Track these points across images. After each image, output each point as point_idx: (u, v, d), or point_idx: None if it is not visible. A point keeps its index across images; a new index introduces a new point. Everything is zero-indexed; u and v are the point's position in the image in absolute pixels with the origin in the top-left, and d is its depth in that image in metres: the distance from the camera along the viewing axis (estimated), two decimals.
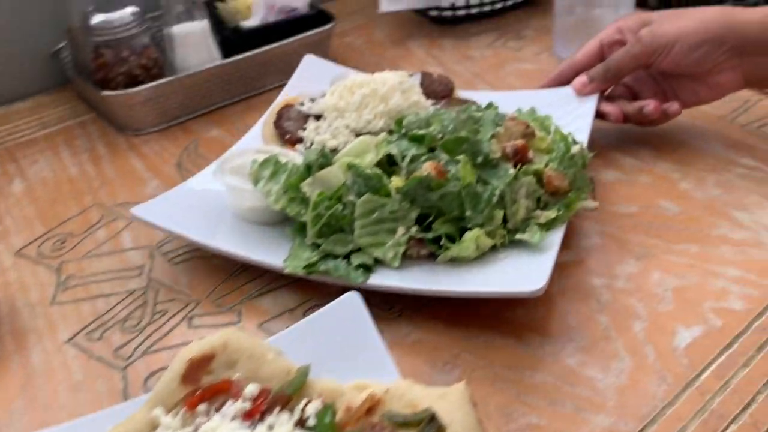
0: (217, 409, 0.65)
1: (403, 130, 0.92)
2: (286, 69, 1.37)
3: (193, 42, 1.28)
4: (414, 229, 0.77)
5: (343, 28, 1.62)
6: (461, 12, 1.55)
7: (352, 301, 0.76)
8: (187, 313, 0.87)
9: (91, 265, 0.96)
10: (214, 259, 0.95)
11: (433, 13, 1.55)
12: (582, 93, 1.00)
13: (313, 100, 1.12)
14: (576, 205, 0.81)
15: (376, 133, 0.98)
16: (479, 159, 0.79)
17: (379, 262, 0.79)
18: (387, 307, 0.85)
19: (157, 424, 0.65)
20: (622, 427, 0.69)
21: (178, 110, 1.28)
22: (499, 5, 1.58)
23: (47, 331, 0.85)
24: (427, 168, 0.78)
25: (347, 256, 0.79)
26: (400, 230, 0.77)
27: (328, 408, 0.60)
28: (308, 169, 0.86)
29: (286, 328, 0.80)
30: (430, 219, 0.78)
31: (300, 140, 1.05)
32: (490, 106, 0.95)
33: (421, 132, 0.85)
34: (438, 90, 1.07)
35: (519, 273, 0.75)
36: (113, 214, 1.06)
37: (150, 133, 1.26)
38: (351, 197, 0.79)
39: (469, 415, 0.62)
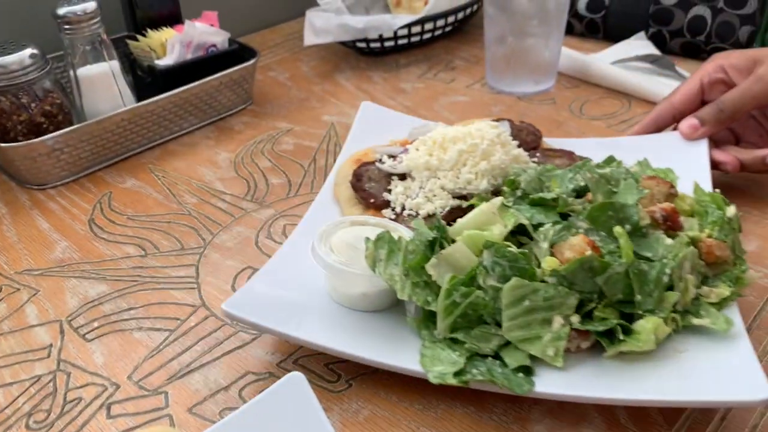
0: None
1: (519, 192, 0.78)
2: (206, 109, 1.28)
3: (101, 85, 1.17)
4: (575, 319, 0.66)
5: (266, 62, 1.54)
6: (389, 43, 1.50)
7: (294, 382, 0.67)
8: (105, 400, 0.76)
9: None
10: (133, 332, 0.84)
11: (361, 44, 1.49)
12: (692, 137, 0.90)
13: (392, 156, 0.95)
14: (745, 279, 0.71)
15: (478, 195, 0.84)
16: (627, 228, 0.68)
17: (534, 359, 0.67)
18: (333, 377, 0.77)
19: None
20: None
21: (88, 160, 1.16)
22: (427, 35, 1.54)
23: None
24: (581, 245, 0.66)
25: (496, 354, 0.68)
26: (558, 320, 0.65)
27: None
28: (430, 248, 0.70)
29: (220, 412, 0.71)
30: (592, 305, 0.66)
31: (386, 204, 0.89)
32: (611, 160, 0.83)
33: (549, 195, 0.75)
34: (528, 140, 0.98)
35: (722, 373, 0.63)
36: (15, 285, 0.93)
37: (56, 187, 1.14)
38: (492, 282, 0.66)
39: None
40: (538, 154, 0.94)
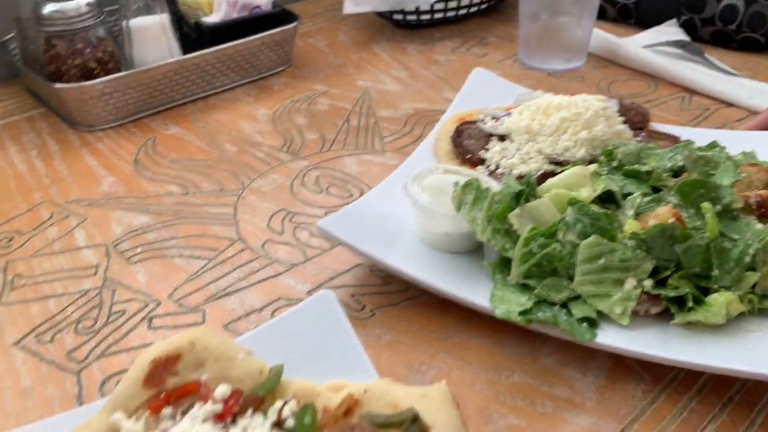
0: (184, 413, 0.61)
1: (615, 163, 0.79)
2: (248, 67, 1.34)
3: (151, 36, 1.23)
4: (648, 283, 0.66)
5: (306, 29, 1.59)
6: (425, 17, 1.55)
7: (325, 299, 0.73)
8: (147, 314, 0.82)
9: (41, 264, 0.90)
10: (174, 258, 0.90)
11: (398, 16, 1.54)
12: None
13: (495, 118, 0.97)
14: None
15: (574, 162, 0.84)
16: (717, 208, 0.68)
17: (601, 315, 0.68)
18: (358, 306, 0.82)
19: (117, 429, 0.60)
20: (603, 427, 0.67)
21: (135, 107, 1.22)
22: (462, 12, 1.58)
23: None
24: (666, 214, 0.67)
25: (563, 304, 0.69)
26: (630, 282, 0.66)
27: (308, 408, 0.56)
28: (515, 199, 0.73)
29: (253, 329, 0.77)
30: (667, 273, 0.67)
31: (481, 161, 0.91)
32: (714, 145, 0.82)
33: (644, 168, 0.76)
34: (634, 120, 0.98)
35: None
36: (65, 211, 1.00)
37: (104, 129, 1.20)
38: (571, 237, 0.68)
39: (453, 416, 0.59)
40: (643, 134, 0.94)
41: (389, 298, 0.83)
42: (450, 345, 0.77)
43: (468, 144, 0.97)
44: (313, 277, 0.87)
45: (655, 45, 1.43)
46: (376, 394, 0.62)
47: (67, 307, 0.83)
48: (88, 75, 1.17)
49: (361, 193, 1.02)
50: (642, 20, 1.56)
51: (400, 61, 1.44)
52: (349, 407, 0.61)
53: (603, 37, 1.42)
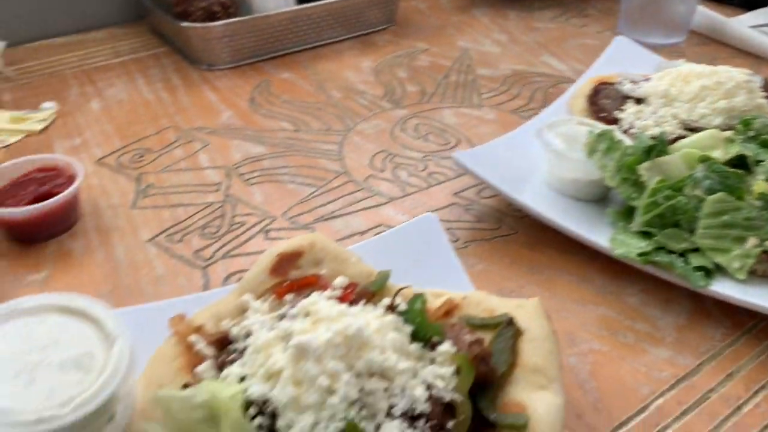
0: (307, 312, 0.68)
1: (751, 133, 0.81)
2: (355, 23, 1.41)
3: None
4: None
5: None
6: None
7: (428, 221, 0.80)
8: (264, 227, 0.91)
9: (169, 178, 1.00)
10: (287, 183, 0.99)
11: None
12: None
13: (634, 82, 1.00)
14: None
15: (708, 129, 0.86)
16: None
17: (718, 269, 0.71)
18: (453, 238, 0.88)
19: (245, 308, 0.69)
20: (681, 360, 0.72)
21: (251, 50, 1.32)
22: None
23: (129, 231, 0.90)
24: None
25: (681, 254, 0.72)
26: (752, 241, 0.68)
27: (419, 296, 0.63)
28: (647, 153, 0.76)
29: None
30: None
31: (615, 121, 0.93)
32: None
33: None
34: None
35: None
36: (189, 136, 1.10)
37: (223, 69, 1.30)
38: (698, 192, 0.71)
39: (545, 325, 0.65)
40: None
41: (482, 234, 0.89)
42: (539, 278, 0.82)
43: (604, 103, 1.00)
44: (411, 210, 0.93)
45: (761, 26, 1.42)
46: (473, 301, 0.69)
47: (193, 215, 0.93)
48: (211, 17, 1.27)
49: (458, 142, 1.08)
50: (748, 1, 1.54)
51: (501, 26, 1.49)
52: (449, 310, 0.68)
53: (707, 14, 1.42)
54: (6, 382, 0.51)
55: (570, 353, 0.73)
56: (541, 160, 0.89)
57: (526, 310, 0.67)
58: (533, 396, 0.60)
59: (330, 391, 0.55)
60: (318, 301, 0.63)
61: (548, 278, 0.82)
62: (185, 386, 0.59)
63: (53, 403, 0.50)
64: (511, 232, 0.89)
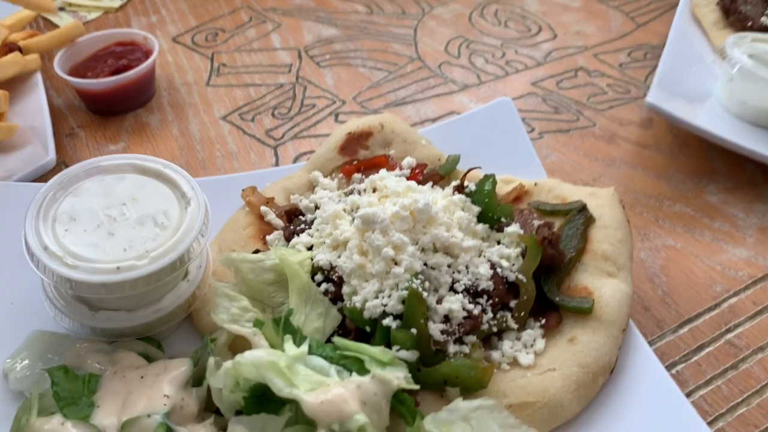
0: (374, 188, 0.68)
1: None
2: None
3: None
4: None
5: None
6: None
7: (503, 105, 0.77)
8: (334, 110, 0.90)
9: (242, 58, 1.00)
10: (359, 67, 0.97)
11: None
12: None
13: None
14: None
15: None
16: None
17: None
18: (528, 128, 0.86)
19: (314, 184, 0.70)
20: (761, 262, 0.69)
21: None
22: None
23: (203, 108, 0.91)
24: None
25: None
26: None
27: (490, 177, 0.62)
28: None
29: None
30: None
31: (765, 29, 0.87)
32: None
33: None
34: None
35: None
36: (262, 17, 1.08)
37: None
38: None
39: (619, 213, 0.63)
40: None
41: (558, 125, 0.86)
42: (615, 172, 0.79)
43: (745, 9, 0.89)
44: (486, 99, 0.91)
45: None
46: (545, 188, 0.67)
47: (265, 95, 0.93)
48: None
49: (540, 30, 1.03)
50: None
51: None
52: (519, 195, 0.67)
53: None
54: (89, 233, 0.53)
55: (642, 248, 0.71)
56: (719, 82, 0.81)
57: (599, 198, 0.64)
58: (600, 282, 0.59)
59: (395, 262, 0.55)
60: (386, 177, 0.63)
61: (624, 173, 0.80)
62: (256, 251, 0.61)
63: (131, 255, 0.52)
64: (589, 124, 0.86)
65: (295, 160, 0.83)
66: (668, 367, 0.60)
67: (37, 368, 0.53)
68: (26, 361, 0.55)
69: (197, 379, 0.52)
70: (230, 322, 0.53)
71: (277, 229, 0.66)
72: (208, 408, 0.51)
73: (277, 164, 0.83)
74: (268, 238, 0.64)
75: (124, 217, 0.55)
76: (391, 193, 0.60)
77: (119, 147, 0.85)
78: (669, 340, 0.63)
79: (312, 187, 0.70)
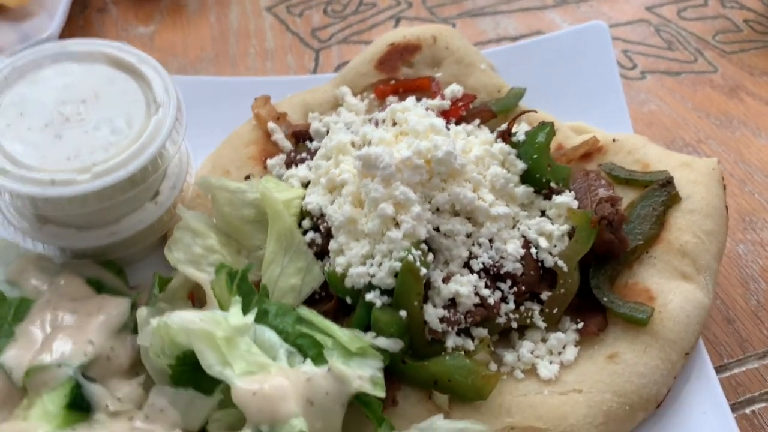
0: (394, 120, 0.55)
1: None
2: None
3: None
4: None
5: None
6: None
7: (596, 31, 0.60)
8: (396, 13, 0.76)
9: None
10: None
11: None
12: None
13: None
14: None
15: None
16: None
17: None
18: (629, 64, 0.69)
19: (339, 102, 0.58)
20: None
21: None
22: None
23: None
24: None
25: None
26: None
27: (546, 126, 0.47)
28: None
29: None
30: None
31: None
32: None
33: None
34: None
35: None
36: None
37: None
38: None
39: (715, 194, 0.47)
40: None
41: (669, 65, 0.69)
42: (727, 136, 0.62)
43: None
44: (583, 20, 0.73)
45: None
46: (625, 147, 0.51)
47: None
48: None
49: None
50: None
51: None
52: (590, 151, 0.52)
53: None
54: (33, 131, 0.44)
55: (741, 239, 0.55)
56: None
57: (694, 171, 0.48)
58: (670, 285, 0.44)
59: (395, 222, 0.43)
60: (410, 109, 0.49)
61: (742, 137, 0.62)
62: (247, 178, 0.51)
63: (72, 166, 0.42)
64: (709, 69, 0.68)
65: (337, 69, 0.70)
66: (743, 404, 0.47)
67: None
68: None
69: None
70: (186, 263, 0.44)
71: (283, 152, 0.55)
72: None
73: (315, 71, 0.71)
74: (269, 161, 0.53)
75: (79, 117, 0.45)
76: (410, 130, 0.46)
77: (149, 30, 0.75)
78: (751, 368, 0.49)
79: (336, 105, 0.58)
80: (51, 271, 0.47)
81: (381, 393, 0.38)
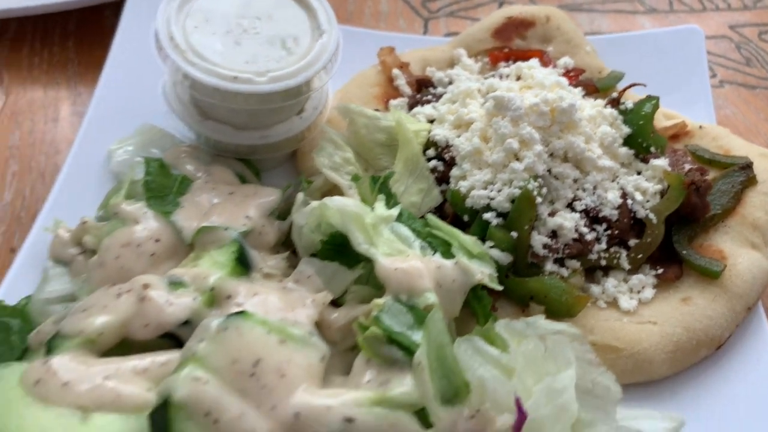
0: (518, 75, 0.62)
1: None
2: None
3: None
4: None
5: None
6: None
7: (691, 33, 0.67)
8: None
9: None
10: None
11: None
12: None
13: None
14: None
15: None
16: None
17: None
18: (710, 73, 0.75)
19: (455, 62, 0.64)
20: None
21: None
22: None
23: None
24: None
25: None
26: None
27: (651, 99, 0.54)
28: None
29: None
30: None
31: None
32: None
33: None
34: None
35: None
36: None
37: None
38: None
39: None
40: None
41: (746, 79, 0.75)
42: None
43: None
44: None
45: None
46: (710, 134, 0.58)
47: None
48: None
49: None
50: None
51: None
52: (678, 134, 0.58)
53: None
54: (217, 36, 0.51)
55: None
56: None
57: None
58: (740, 250, 0.51)
59: (516, 157, 0.50)
60: (535, 67, 0.56)
61: None
62: (375, 110, 0.58)
63: (251, 69, 0.50)
64: None
65: (444, 37, 0.77)
66: None
67: (137, 156, 0.54)
68: (130, 148, 0.55)
69: (283, 213, 0.51)
70: (329, 168, 0.51)
71: (404, 96, 0.61)
72: (286, 245, 0.50)
73: (424, 35, 0.77)
74: (392, 102, 0.60)
75: (255, 30, 0.52)
76: (536, 84, 0.53)
77: None
78: None
79: (452, 64, 0.65)
80: (203, 161, 0.54)
81: (498, 286, 0.45)
